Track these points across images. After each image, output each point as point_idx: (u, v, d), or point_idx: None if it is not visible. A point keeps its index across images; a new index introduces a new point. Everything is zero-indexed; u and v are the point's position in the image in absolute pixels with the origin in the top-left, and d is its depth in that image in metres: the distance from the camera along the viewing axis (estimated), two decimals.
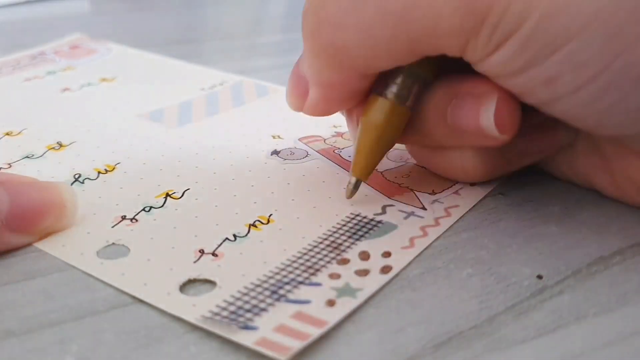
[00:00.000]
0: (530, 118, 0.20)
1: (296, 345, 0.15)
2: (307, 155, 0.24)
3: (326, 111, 0.21)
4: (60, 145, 0.25)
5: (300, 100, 0.21)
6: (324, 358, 0.15)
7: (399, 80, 0.19)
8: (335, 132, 0.27)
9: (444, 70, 0.20)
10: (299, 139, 0.26)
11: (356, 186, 0.21)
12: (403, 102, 0.19)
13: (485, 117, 0.19)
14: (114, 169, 0.23)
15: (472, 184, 0.22)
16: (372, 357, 0.15)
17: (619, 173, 0.20)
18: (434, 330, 0.16)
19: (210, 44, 0.43)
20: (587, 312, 0.16)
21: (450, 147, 0.21)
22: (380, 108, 0.20)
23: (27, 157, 0.24)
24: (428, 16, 0.17)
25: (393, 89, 0.19)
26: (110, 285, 0.17)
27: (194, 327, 0.16)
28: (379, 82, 0.20)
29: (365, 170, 0.20)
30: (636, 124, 0.18)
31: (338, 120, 0.28)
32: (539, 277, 0.18)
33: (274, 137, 0.26)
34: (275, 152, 0.25)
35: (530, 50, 0.16)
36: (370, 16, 0.18)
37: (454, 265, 0.18)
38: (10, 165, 0.23)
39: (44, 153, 0.24)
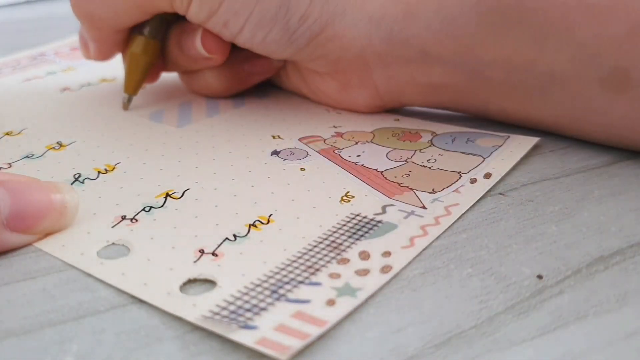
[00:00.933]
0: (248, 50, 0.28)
1: (296, 344, 0.15)
2: (307, 156, 0.24)
3: (103, 57, 0.30)
4: (61, 145, 0.25)
5: (86, 52, 0.30)
6: (324, 358, 0.15)
7: (150, 22, 0.28)
8: (335, 132, 0.27)
9: (178, 16, 0.27)
10: (299, 139, 0.26)
11: (129, 100, 0.29)
12: (154, 37, 0.28)
13: (197, 43, 0.27)
14: (114, 168, 0.23)
15: (473, 181, 0.22)
16: (372, 357, 0.15)
17: (312, 85, 0.30)
18: (434, 330, 0.16)
19: None
20: (587, 312, 0.16)
21: (196, 71, 0.30)
22: (138, 43, 0.28)
23: (27, 156, 0.24)
24: None
25: (146, 29, 0.28)
26: (110, 285, 0.17)
27: (194, 327, 0.16)
28: (138, 26, 0.28)
29: (132, 89, 0.29)
30: (283, 50, 0.27)
31: (338, 121, 0.28)
32: (539, 277, 0.18)
33: (274, 137, 0.26)
34: (276, 153, 0.25)
35: (205, 6, 0.25)
36: None
37: (454, 265, 0.18)
38: (10, 165, 0.23)
39: (44, 153, 0.24)
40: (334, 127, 0.27)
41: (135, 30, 0.28)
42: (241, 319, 0.15)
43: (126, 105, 0.29)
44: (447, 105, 0.28)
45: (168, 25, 0.28)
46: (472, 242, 0.19)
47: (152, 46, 0.28)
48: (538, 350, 0.15)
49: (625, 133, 0.25)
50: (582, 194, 0.22)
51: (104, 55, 0.29)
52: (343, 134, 0.27)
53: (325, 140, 0.26)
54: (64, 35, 0.43)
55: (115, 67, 0.35)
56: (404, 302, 0.17)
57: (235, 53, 0.29)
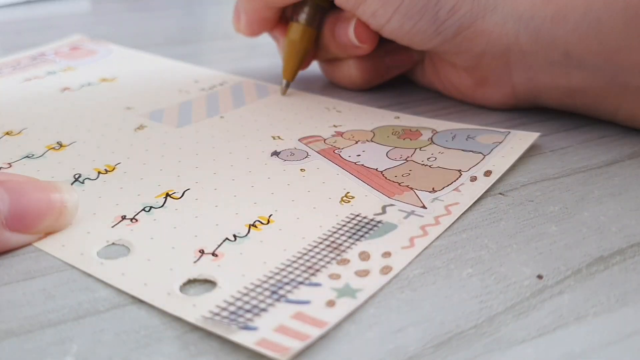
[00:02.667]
0: (389, 43, 0.30)
1: (296, 345, 0.15)
2: (307, 156, 0.24)
3: (251, 32, 0.31)
4: (61, 145, 0.25)
5: (237, 24, 0.31)
6: (324, 358, 0.15)
7: (306, 9, 0.30)
8: (335, 131, 0.27)
9: (333, 5, 0.29)
10: (299, 140, 0.26)
11: (287, 86, 0.31)
12: (310, 25, 0.30)
13: (350, 31, 0.29)
14: (114, 169, 0.23)
15: (473, 179, 0.22)
16: (372, 357, 0.15)
17: (446, 80, 0.31)
18: (434, 330, 0.16)
19: (210, 44, 0.43)
20: (587, 312, 0.16)
21: (340, 59, 0.31)
22: (295, 29, 0.30)
23: (27, 156, 0.24)
24: None
25: (303, 16, 0.30)
26: (110, 285, 0.17)
27: (194, 327, 0.16)
28: (294, 12, 0.30)
29: (290, 74, 0.31)
30: (429, 41, 0.28)
31: (338, 120, 0.28)
32: (539, 277, 0.18)
33: (274, 137, 0.26)
34: (276, 153, 0.25)
35: None
36: None
37: (454, 265, 0.18)
38: (10, 164, 0.23)
39: (44, 153, 0.24)
40: (334, 126, 0.27)
41: (293, 18, 0.30)
42: (241, 319, 0.15)
43: (284, 90, 0.31)
44: (579, 109, 0.28)
45: (323, 13, 0.30)
46: (472, 242, 0.19)
47: (309, 33, 0.30)
48: (538, 350, 0.15)
49: None
50: (582, 194, 0.22)
51: (252, 30, 0.31)
52: (343, 133, 0.27)
53: (325, 140, 0.26)
54: (64, 35, 0.43)
55: (116, 68, 0.35)
56: (404, 302, 0.17)
57: (378, 46, 0.30)
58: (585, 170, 0.24)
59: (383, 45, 0.30)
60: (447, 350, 0.15)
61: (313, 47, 0.31)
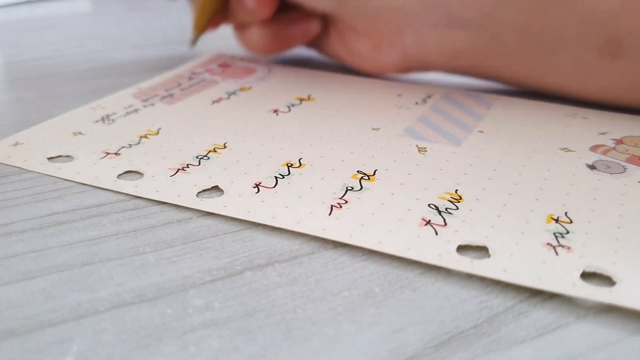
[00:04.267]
0: (293, 13, 0.33)
1: None
2: (625, 169, 0.23)
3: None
4: (368, 176, 0.23)
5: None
6: (324, 358, 0.15)
7: None
8: (611, 139, 0.26)
9: None
10: (590, 149, 0.25)
11: (196, 39, 0.35)
12: None
13: None
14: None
15: None
16: (372, 357, 0.15)
17: (349, 45, 0.33)
18: (434, 330, 0.16)
19: (210, 44, 0.43)
20: (587, 312, 0.16)
21: (247, 25, 0.33)
22: None
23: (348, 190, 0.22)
24: None
25: None
26: (110, 286, 0.17)
27: (194, 327, 0.16)
28: None
29: (201, 27, 0.34)
30: (328, 2, 0.32)
31: (597, 127, 0.28)
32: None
33: (562, 150, 0.25)
34: (592, 167, 0.23)
35: None
36: None
37: None
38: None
39: (361, 186, 0.22)
40: (602, 133, 0.26)
41: None
42: None
43: (194, 42, 0.35)
44: (466, 70, 0.32)
45: None
46: None
47: None
48: (538, 350, 0.15)
49: (621, 95, 0.28)
50: None
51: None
52: (621, 139, 0.26)
53: (614, 148, 0.25)
54: (64, 35, 0.43)
55: (303, 86, 0.33)
56: (404, 302, 0.17)
57: (281, 16, 0.33)
58: None
59: (287, 13, 0.33)
60: (447, 350, 0.15)
61: (223, 7, 0.34)
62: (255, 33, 0.34)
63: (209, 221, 0.20)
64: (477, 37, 0.29)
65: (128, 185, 0.22)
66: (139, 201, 0.22)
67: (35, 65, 0.38)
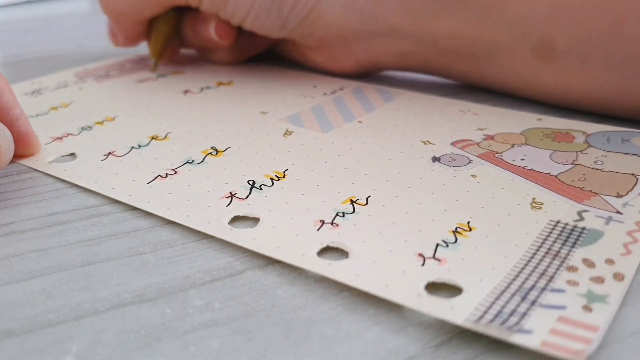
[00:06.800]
0: None
1: (585, 348, 0.14)
2: (470, 162, 0.24)
3: (130, 44, 0.36)
4: (217, 150, 0.25)
5: (115, 41, 0.36)
6: (324, 358, 0.15)
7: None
8: (484, 134, 0.27)
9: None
10: (452, 144, 0.26)
11: (156, 64, 0.36)
12: (170, 14, 0.35)
13: (211, 30, 0.34)
14: (284, 175, 0.23)
15: None
16: (372, 357, 0.15)
17: (306, 56, 0.36)
18: (434, 330, 0.16)
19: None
20: None
21: (210, 48, 0.36)
22: (160, 16, 0.35)
23: (187, 162, 0.24)
24: None
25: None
26: (110, 285, 0.17)
27: (194, 327, 0.16)
28: None
29: (157, 54, 0.35)
30: (279, 32, 0.33)
31: (481, 123, 0.28)
32: None
33: (424, 142, 0.26)
34: (436, 159, 0.24)
35: (215, 2, 0.32)
36: None
37: None
38: (175, 171, 0.23)
39: (204, 159, 0.24)
40: (479, 129, 0.27)
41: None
42: (510, 323, 0.15)
43: (153, 68, 0.36)
44: (418, 69, 0.34)
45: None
46: None
47: (172, 16, 0.35)
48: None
49: (556, 93, 0.30)
50: None
51: (131, 42, 0.36)
52: (493, 136, 0.26)
53: (478, 144, 0.26)
54: (64, 35, 0.43)
55: (228, 72, 0.36)
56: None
57: (241, 30, 0.35)
58: None
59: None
60: (447, 350, 0.15)
61: (176, 33, 0.36)
62: (220, 53, 0.36)
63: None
64: (419, 44, 0.32)
65: None
66: None
67: (36, 65, 0.38)
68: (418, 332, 0.16)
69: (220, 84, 0.34)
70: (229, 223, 0.20)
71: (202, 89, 0.33)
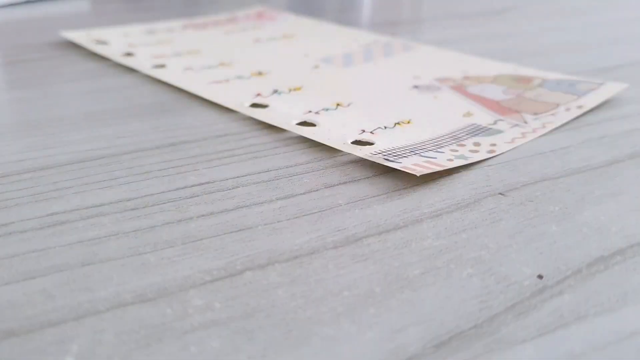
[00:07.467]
0: None
1: (425, 170, 0.22)
2: (439, 89, 0.32)
3: None
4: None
5: None
6: (324, 358, 0.15)
7: None
8: (464, 76, 0.34)
9: None
10: (435, 79, 0.34)
11: None
12: None
13: None
14: (299, 88, 0.32)
15: (567, 109, 0.29)
16: (372, 357, 0.15)
17: None
18: (434, 330, 0.16)
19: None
20: (587, 312, 0.16)
21: None
22: None
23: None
24: None
25: None
26: (111, 285, 0.17)
27: (194, 327, 0.16)
28: None
29: None
30: None
31: (467, 69, 0.36)
32: (539, 277, 0.18)
33: (415, 77, 0.34)
34: (416, 87, 0.32)
35: None
36: None
37: (454, 265, 0.18)
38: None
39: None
40: (462, 71, 0.35)
41: None
42: (391, 158, 0.23)
43: None
44: None
45: None
46: (472, 242, 0.19)
47: None
48: (538, 350, 0.15)
49: None
50: (582, 194, 0.22)
51: None
52: (470, 77, 0.34)
53: (455, 80, 0.34)
54: (64, 35, 0.43)
55: (292, 28, 0.35)
56: (404, 302, 0.17)
57: None
58: (585, 170, 0.24)
59: None
60: (447, 350, 0.15)
61: None
62: None
63: (209, 221, 0.20)
64: None
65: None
66: (138, 201, 0.22)
67: (35, 65, 0.38)
68: (418, 332, 0.16)
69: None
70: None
71: (269, 39, 0.42)
